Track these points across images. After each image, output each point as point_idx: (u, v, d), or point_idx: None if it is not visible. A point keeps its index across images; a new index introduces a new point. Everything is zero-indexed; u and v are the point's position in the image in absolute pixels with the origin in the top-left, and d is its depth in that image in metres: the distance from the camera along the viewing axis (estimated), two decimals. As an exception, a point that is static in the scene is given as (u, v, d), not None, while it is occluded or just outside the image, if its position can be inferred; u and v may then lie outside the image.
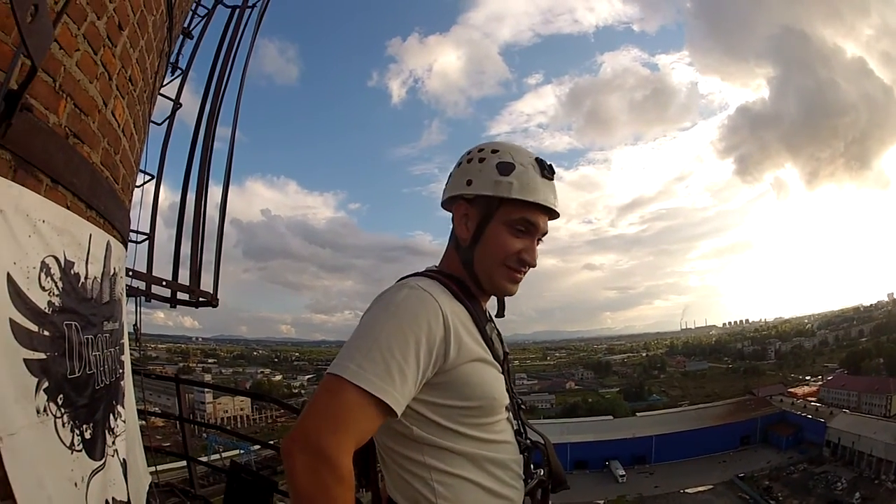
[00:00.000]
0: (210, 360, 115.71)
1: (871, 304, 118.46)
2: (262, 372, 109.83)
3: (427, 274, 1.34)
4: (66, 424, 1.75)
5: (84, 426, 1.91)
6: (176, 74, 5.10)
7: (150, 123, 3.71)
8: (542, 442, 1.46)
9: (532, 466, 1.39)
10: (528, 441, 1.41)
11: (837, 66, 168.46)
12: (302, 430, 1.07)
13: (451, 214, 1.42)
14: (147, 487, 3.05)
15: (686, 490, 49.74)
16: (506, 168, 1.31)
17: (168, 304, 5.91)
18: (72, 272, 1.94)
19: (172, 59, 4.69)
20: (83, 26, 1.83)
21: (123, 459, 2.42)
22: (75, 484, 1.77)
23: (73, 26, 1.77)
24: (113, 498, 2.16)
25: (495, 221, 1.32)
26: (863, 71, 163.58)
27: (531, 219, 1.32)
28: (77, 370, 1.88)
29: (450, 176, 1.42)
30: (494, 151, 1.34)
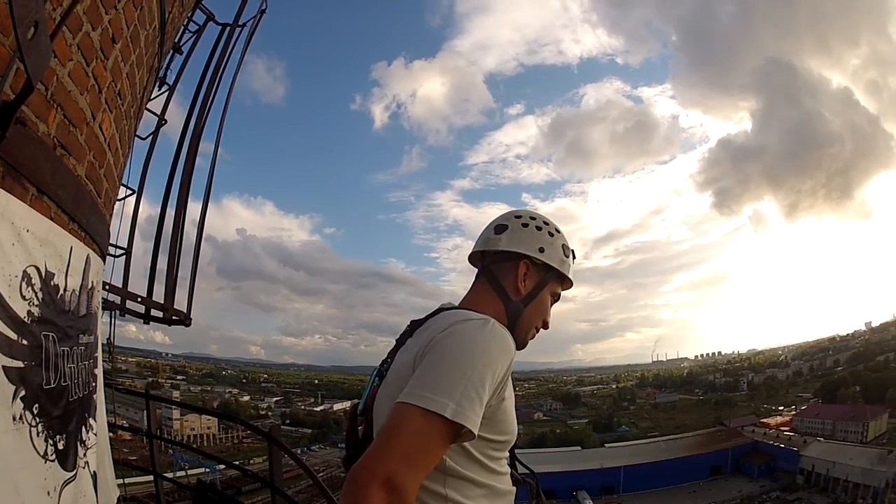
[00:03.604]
0: (179, 377, 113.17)
1: (848, 334, 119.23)
2: (230, 392, 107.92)
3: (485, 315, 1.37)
4: (41, 434, 1.73)
5: (57, 437, 1.89)
6: (163, 90, 5.11)
7: (135, 138, 3.71)
8: (532, 475, 1.56)
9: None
10: (519, 475, 1.48)
11: (823, 96, 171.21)
12: (386, 465, 1.06)
13: (487, 263, 1.58)
14: (115, 501, 3.01)
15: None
16: (566, 252, 1.58)
17: (142, 320, 5.85)
18: (51, 283, 1.94)
19: (161, 73, 4.70)
20: (78, 36, 1.84)
21: (94, 472, 2.38)
22: (48, 493, 1.75)
23: (69, 36, 1.78)
24: (83, 510, 2.14)
25: (546, 289, 1.55)
26: (848, 101, 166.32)
27: (562, 294, 1.63)
28: (53, 381, 1.87)
29: (503, 229, 1.58)
30: (558, 231, 1.59)
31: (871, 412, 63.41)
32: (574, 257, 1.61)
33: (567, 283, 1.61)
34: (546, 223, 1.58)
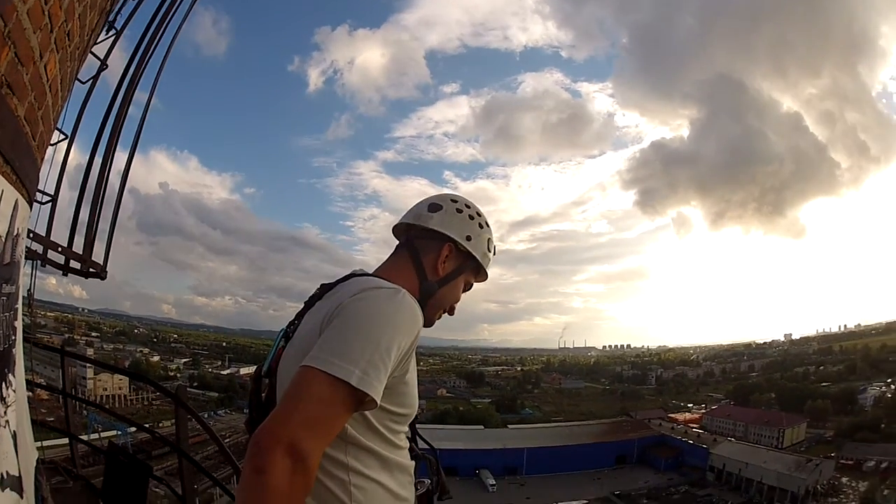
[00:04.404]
0: (93, 334, 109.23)
1: (766, 342, 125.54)
2: (141, 351, 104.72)
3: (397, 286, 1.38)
4: (-36, 390, 1.64)
5: (-21, 394, 1.79)
6: (109, 34, 4.83)
7: (76, 81, 3.50)
8: (432, 451, 1.60)
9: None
10: (419, 451, 1.52)
11: (769, 117, 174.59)
12: (290, 431, 1.06)
13: (412, 237, 1.61)
14: (34, 463, 2.87)
15: (559, 503, 51.34)
16: (490, 246, 1.64)
17: (61, 272, 5.59)
18: (-22, 228, 1.82)
19: (111, 17, 4.44)
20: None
21: (14, 432, 2.26)
22: (-29, 455, 1.66)
23: (34, -28, 1.66)
24: (7, 472, 2.02)
25: (462, 276, 1.61)
26: (797, 126, 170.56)
27: (475, 284, 1.71)
28: (-25, 333, 1.77)
29: (437, 208, 1.61)
30: (488, 226, 1.65)
31: (788, 420, 66.70)
32: (495, 254, 1.69)
33: (482, 275, 1.68)
34: (479, 214, 1.64)
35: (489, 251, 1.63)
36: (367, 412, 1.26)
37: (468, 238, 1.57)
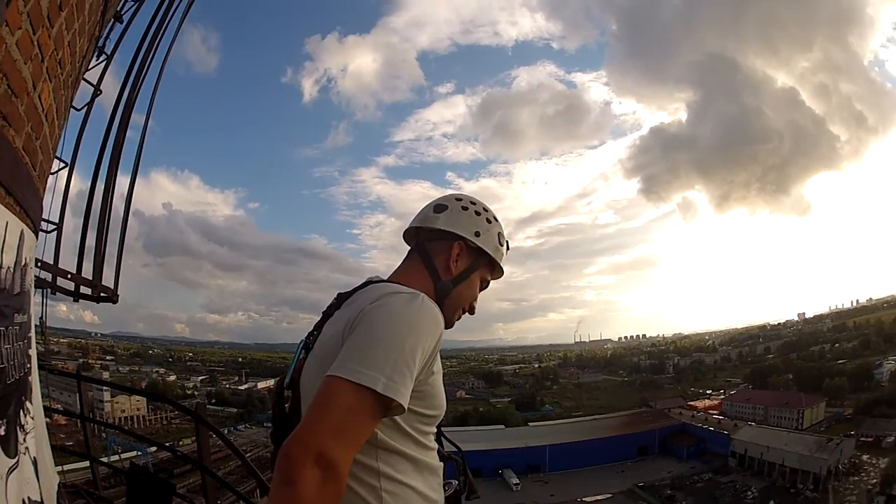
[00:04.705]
0: (108, 357, 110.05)
1: (779, 323, 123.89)
2: (157, 371, 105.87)
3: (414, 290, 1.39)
4: (-17, 420, 1.66)
5: (-1, 422, 1.82)
6: (100, 59, 4.87)
7: (71, 109, 3.54)
8: (459, 452, 1.62)
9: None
10: (445, 452, 1.53)
11: (765, 94, 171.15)
12: (319, 440, 1.08)
13: (422, 240, 1.61)
14: (56, 487, 2.91)
15: (584, 499, 51.09)
16: (501, 240, 1.63)
17: (72, 298, 5.65)
18: (-14, 260, 1.85)
19: (100, 43, 4.48)
20: (29, 4, 1.75)
21: (34, 458, 2.29)
22: (-5, 482, 1.69)
23: (21, 3, 1.69)
24: (28, 497, 2.05)
25: (477, 273, 1.60)
26: (793, 101, 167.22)
27: (492, 281, 1.68)
28: (-10, 363, 1.79)
29: (442, 209, 1.61)
30: (496, 220, 1.65)
31: (807, 400, 66.08)
32: (508, 248, 1.67)
33: (498, 271, 1.67)
34: (486, 209, 1.64)
35: (501, 245, 1.63)
36: (397, 417, 1.27)
37: (477, 234, 1.57)
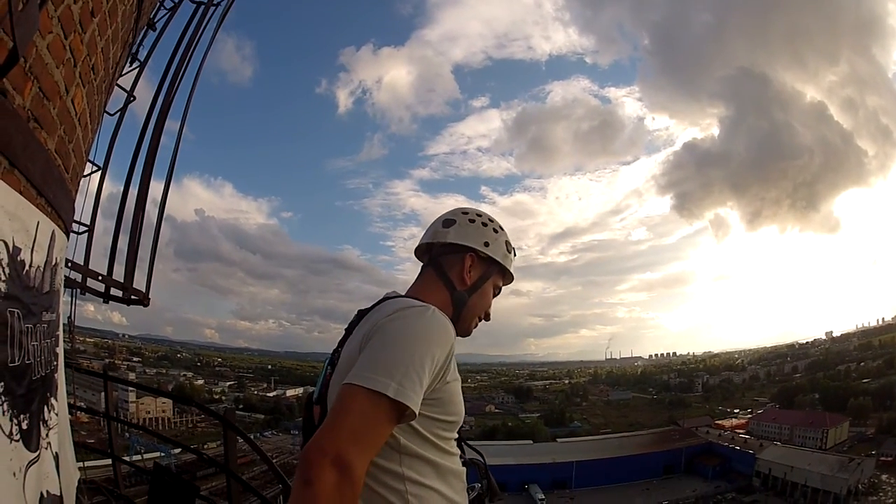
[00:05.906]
0: (135, 359, 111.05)
1: (808, 342, 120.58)
2: (184, 375, 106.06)
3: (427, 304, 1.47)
4: (6, 413, 1.69)
5: (21, 416, 1.85)
6: (134, 66, 5.00)
7: (104, 114, 3.63)
8: (480, 457, 1.72)
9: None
10: (467, 458, 1.61)
11: (795, 109, 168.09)
12: (336, 444, 1.14)
13: (433, 255, 1.70)
14: (76, 483, 2.96)
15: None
16: (509, 248, 1.71)
17: (101, 299, 5.76)
18: (18, 259, 1.89)
19: (133, 49, 4.60)
20: (60, 8, 1.80)
21: (56, 453, 2.34)
22: (14, 474, 1.71)
23: (52, 7, 1.74)
24: (47, 491, 2.10)
25: (490, 281, 1.68)
26: (821, 116, 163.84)
27: (513, 289, 1.82)
28: (17, 359, 1.83)
29: (451, 223, 1.70)
30: (502, 229, 1.72)
31: (831, 420, 64.78)
32: (515, 254, 1.75)
33: (508, 277, 1.75)
34: (491, 220, 1.73)
35: (509, 252, 1.71)
36: (415, 423, 1.33)
37: (486, 244, 1.66)
